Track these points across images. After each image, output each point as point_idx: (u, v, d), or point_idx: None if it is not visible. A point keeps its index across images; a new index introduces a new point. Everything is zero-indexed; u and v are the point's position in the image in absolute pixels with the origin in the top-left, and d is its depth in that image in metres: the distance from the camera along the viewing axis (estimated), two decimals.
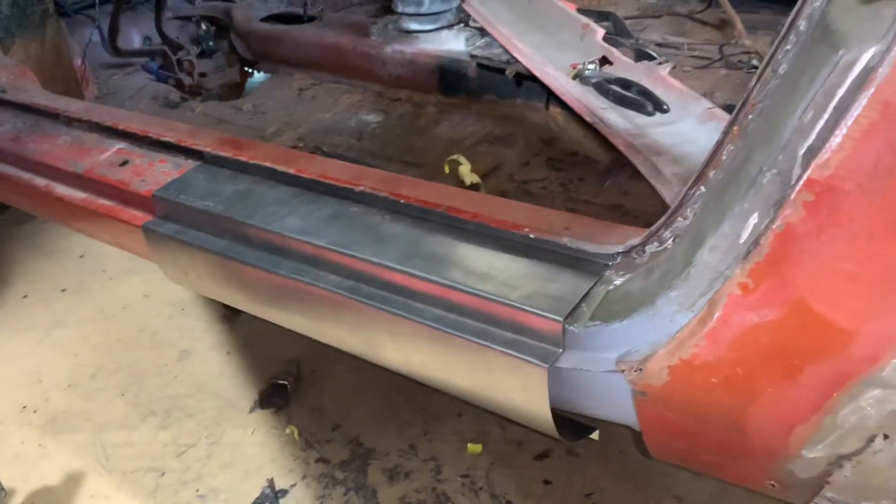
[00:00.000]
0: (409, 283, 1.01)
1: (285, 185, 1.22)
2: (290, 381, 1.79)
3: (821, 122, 0.60)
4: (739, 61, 1.90)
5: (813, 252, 0.62)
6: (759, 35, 2.00)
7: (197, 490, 1.59)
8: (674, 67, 1.70)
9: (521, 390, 0.93)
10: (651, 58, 1.75)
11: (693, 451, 0.84)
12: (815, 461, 0.73)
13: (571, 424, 1.03)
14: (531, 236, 0.99)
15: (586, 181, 1.81)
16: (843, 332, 0.64)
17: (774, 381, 0.70)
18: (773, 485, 0.80)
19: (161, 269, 1.34)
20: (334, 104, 2.33)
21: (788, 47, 0.71)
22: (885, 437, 0.67)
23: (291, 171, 1.21)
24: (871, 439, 0.68)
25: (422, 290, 1.00)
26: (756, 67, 1.90)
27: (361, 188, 1.14)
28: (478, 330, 0.95)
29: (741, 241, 0.68)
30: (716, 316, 0.70)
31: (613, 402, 0.89)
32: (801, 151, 0.61)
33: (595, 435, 1.08)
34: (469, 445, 1.64)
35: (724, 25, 2.11)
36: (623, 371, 0.81)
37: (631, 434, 0.98)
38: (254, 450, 1.68)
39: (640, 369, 0.79)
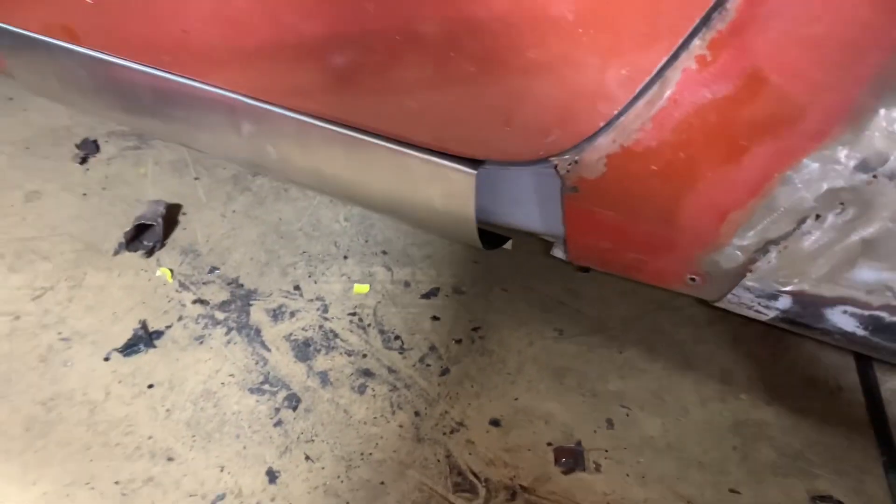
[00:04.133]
0: None
1: None
2: (159, 221, 1.66)
3: None
4: None
5: (780, 15, 0.60)
6: None
7: (59, 333, 1.46)
8: None
9: (446, 197, 0.88)
10: None
11: (616, 249, 0.84)
12: (743, 248, 0.74)
13: (487, 236, 1.01)
14: None
15: None
16: (796, 105, 0.63)
17: (716, 165, 0.70)
18: (693, 279, 0.82)
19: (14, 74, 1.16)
20: None
21: None
22: (817, 216, 0.69)
23: None
24: (802, 221, 0.70)
25: None
26: None
27: None
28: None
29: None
30: (666, 95, 0.68)
31: (537, 205, 0.87)
32: None
33: (509, 244, 1.07)
34: (355, 286, 1.60)
35: None
36: (556, 166, 0.78)
37: (539, 242, 0.97)
38: (122, 292, 1.56)
39: (576, 161, 0.76)
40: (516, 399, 1.42)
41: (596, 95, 0.69)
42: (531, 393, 1.43)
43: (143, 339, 1.46)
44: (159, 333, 1.48)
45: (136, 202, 1.76)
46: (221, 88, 0.95)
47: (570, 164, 0.77)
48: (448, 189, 0.88)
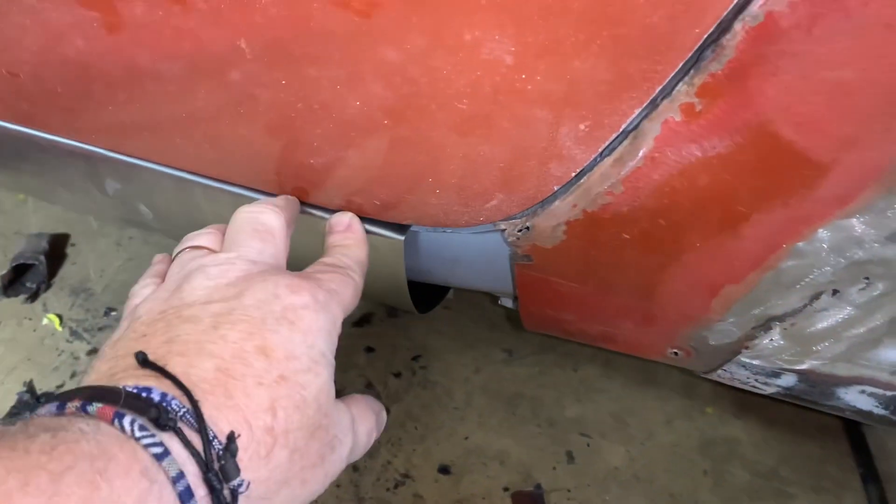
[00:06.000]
0: None
1: None
2: (42, 259, 1.43)
3: None
4: None
5: (797, 55, 0.44)
6: None
7: None
8: None
9: (371, 262, 0.71)
10: None
11: (583, 322, 0.68)
12: (739, 324, 0.60)
13: (426, 290, 0.85)
14: None
15: None
16: (816, 165, 0.48)
17: (708, 234, 0.54)
18: (675, 353, 0.67)
19: None
20: None
21: None
22: (835, 292, 0.55)
23: None
24: (816, 297, 0.55)
25: None
26: None
27: None
28: None
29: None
30: (641, 153, 0.52)
31: (483, 267, 0.70)
32: None
33: (450, 294, 0.92)
34: None
35: None
36: (503, 231, 0.61)
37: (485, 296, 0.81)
38: (1, 348, 1.34)
39: (528, 227, 0.60)
40: (466, 438, 1.27)
41: (547, 155, 0.53)
42: (482, 429, 1.29)
43: (30, 404, 1.25)
44: (50, 395, 1.27)
45: (15, 235, 1.53)
46: (73, 140, 0.75)
47: (520, 231, 0.60)
48: (372, 254, 0.71)
